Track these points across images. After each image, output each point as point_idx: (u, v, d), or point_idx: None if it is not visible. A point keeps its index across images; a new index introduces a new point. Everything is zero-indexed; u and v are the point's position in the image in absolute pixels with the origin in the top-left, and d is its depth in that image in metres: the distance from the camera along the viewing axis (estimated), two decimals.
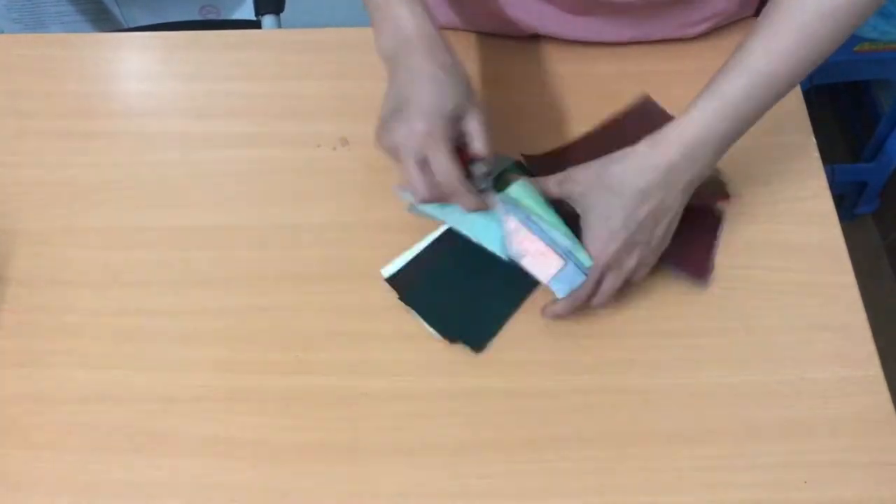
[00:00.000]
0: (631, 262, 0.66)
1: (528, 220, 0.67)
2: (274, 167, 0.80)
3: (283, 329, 0.70)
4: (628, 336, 0.70)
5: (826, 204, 0.76)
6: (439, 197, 0.64)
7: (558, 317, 0.68)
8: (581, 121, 0.81)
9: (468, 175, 0.65)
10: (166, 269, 0.74)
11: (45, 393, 0.68)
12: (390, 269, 0.72)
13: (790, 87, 0.64)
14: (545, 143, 0.80)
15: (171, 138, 0.82)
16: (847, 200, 1.68)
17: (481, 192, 0.66)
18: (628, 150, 0.64)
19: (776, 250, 0.74)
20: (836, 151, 1.75)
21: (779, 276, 0.72)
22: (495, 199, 0.67)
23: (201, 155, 0.81)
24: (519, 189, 0.69)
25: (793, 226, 0.75)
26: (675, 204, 0.65)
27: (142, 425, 0.66)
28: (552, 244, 0.66)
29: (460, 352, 0.69)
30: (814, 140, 0.80)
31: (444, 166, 0.62)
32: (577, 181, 0.66)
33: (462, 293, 0.71)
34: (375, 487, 0.64)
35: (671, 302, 0.71)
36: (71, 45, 0.90)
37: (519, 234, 0.67)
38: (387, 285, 0.72)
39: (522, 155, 0.77)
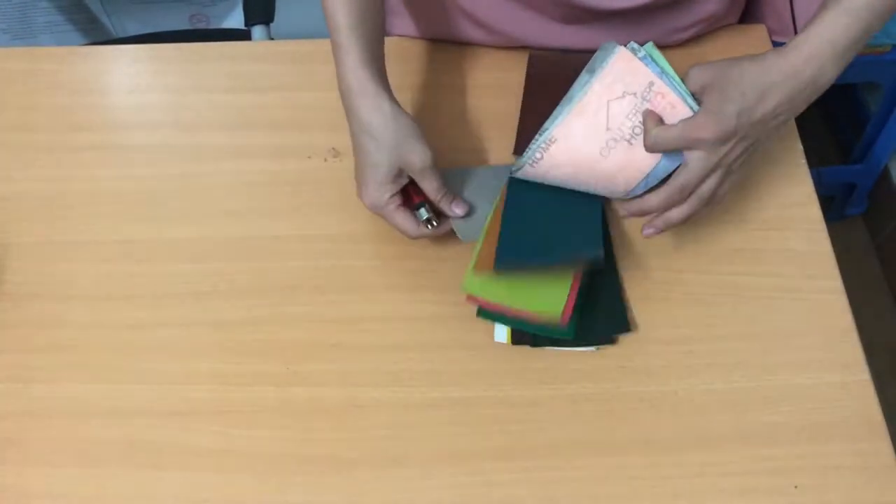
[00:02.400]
0: (730, 158, 0.64)
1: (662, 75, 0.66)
2: (265, 179, 0.80)
3: (276, 341, 0.71)
4: (620, 344, 0.70)
5: (813, 210, 0.77)
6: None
7: (651, 210, 0.67)
8: None
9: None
10: (157, 282, 0.74)
11: (38, 408, 0.68)
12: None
13: (891, 8, 0.64)
14: None
15: (161, 151, 0.82)
16: (836, 202, 1.69)
17: (435, 225, 0.71)
18: (756, 55, 0.64)
19: (764, 257, 0.74)
20: (826, 153, 1.76)
21: (767, 282, 0.73)
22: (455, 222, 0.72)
23: (192, 167, 0.81)
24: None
25: (780, 232, 0.76)
26: (787, 111, 0.64)
27: (135, 439, 0.66)
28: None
29: (453, 362, 0.69)
30: (800, 146, 0.81)
31: (399, 226, 0.70)
32: (698, 78, 0.65)
33: (552, 224, 0.71)
34: (370, 498, 0.64)
35: (661, 309, 0.72)
36: (60, 58, 0.90)
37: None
38: (381, 296, 0.72)
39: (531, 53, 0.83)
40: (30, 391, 0.69)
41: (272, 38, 1.22)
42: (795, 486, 0.64)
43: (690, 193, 0.65)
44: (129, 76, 0.89)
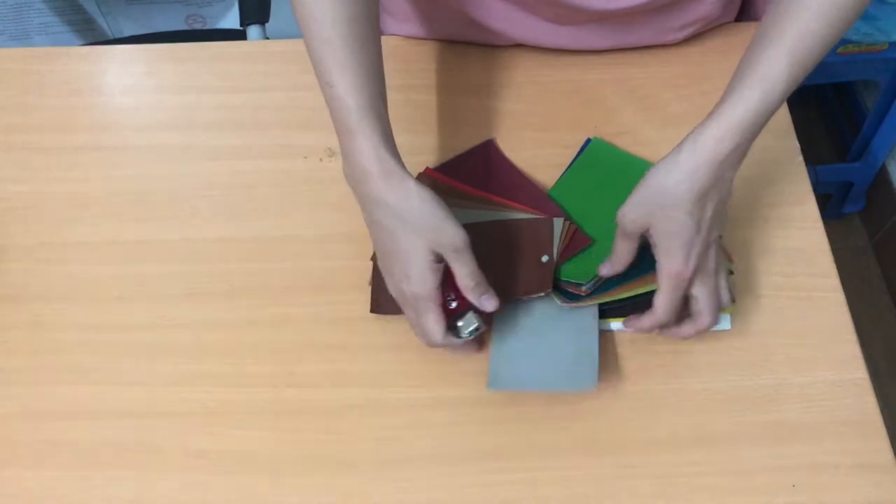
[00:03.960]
0: (712, 262, 0.63)
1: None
2: (261, 179, 0.80)
3: (272, 342, 0.70)
4: (615, 342, 0.70)
5: (810, 208, 0.77)
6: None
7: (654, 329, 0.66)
8: (565, 129, 0.82)
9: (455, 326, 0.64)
10: (153, 283, 0.74)
11: (32, 410, 0.68)
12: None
13: (795, 87, 0.62)
14: (529, 152, 0.80)
15: (157, 151, 0.82)
16: (834, 200, 1.69)
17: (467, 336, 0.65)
18: (670, 161, 0.61)
19: (761, 255, 0.74)
20: (823, 151, 1.76)
21: (763, 280, 0.73)
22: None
23: (187, 168, 0.81)
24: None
25: (777, 230, 0.75)
26: (729, 188, 0.63)
27: (130, 440, 0.66)
28: None
29: (448, 363, 0.69)
30: (797, 144, 0.81)
31: (427, 326, 0.62)
32: (630, 217, 0.63)
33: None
34: (367, 500, 0.64)
35: None
36: (55, 59, 0.90)
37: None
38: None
39: (428, 168, 0.78)
40: (26, 393, 0.69)
41: (268, 38, 1.22)
42: (793, 485, 0.63)
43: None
44: (124, 77, 0.89)
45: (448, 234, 0.61)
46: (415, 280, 0.61)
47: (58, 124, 0.84)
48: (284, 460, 0.65)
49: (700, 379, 0.68)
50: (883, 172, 1.63)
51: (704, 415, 0.67)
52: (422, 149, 0.80)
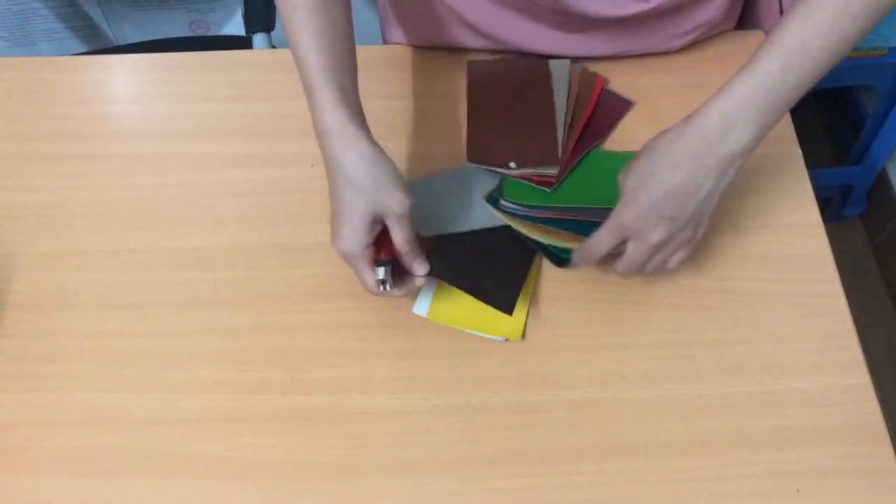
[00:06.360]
0: (655, 236, 0.64)
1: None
2: (269, 187, 0.81)
3: (281, 349, 0.71)
4: (621, 348, 0.71)
5: (812, 214, 0.78)
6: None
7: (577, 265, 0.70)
8: None
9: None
10: (163, 290, 0.75)
11: (45, 417, 0.68)
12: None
13: (829, 64, 0.61)
14: None
15: (165, 160, 0.83)
16: (834, 203, 1.70)
17: (387, 289, 0.68)
18: (667, 129, 0.64)
19: (764, 261, 0.75)
20: (824, 155, 1.77)
21: (767, 286, 0.74)
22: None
23: (196, 176, 0.82)
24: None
25: (780, 237, 0.76)
26: (708, 181, 0.62)
27: (141, 447, 0.67)
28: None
29: (456, 368, 0.70)
30: (799, 151, 0.81)
31: (363, 279, 0.67)
32: (623, 174, 0.66)
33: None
34: None
35: (663, 314, 0.72)
36: (62, 68, 0.90)
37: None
38: (385, 303, 0.73)
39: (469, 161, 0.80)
40: (38, 400, 0.69)
41: (273, 46, 1.22)
42: (797, 490, 0.64)
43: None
44: (131, 85, 0.90)
45: (392, 199, 0.64)
46: (347, 240, 0.65)
47: (65, 133, 0.85)
48: (292, 466, 0.66)
49: (703, 385, 0.69)
50: (883, 176, 1.64)
51: (709, 420, 0.67)
52: (425, 156, 0.81)
